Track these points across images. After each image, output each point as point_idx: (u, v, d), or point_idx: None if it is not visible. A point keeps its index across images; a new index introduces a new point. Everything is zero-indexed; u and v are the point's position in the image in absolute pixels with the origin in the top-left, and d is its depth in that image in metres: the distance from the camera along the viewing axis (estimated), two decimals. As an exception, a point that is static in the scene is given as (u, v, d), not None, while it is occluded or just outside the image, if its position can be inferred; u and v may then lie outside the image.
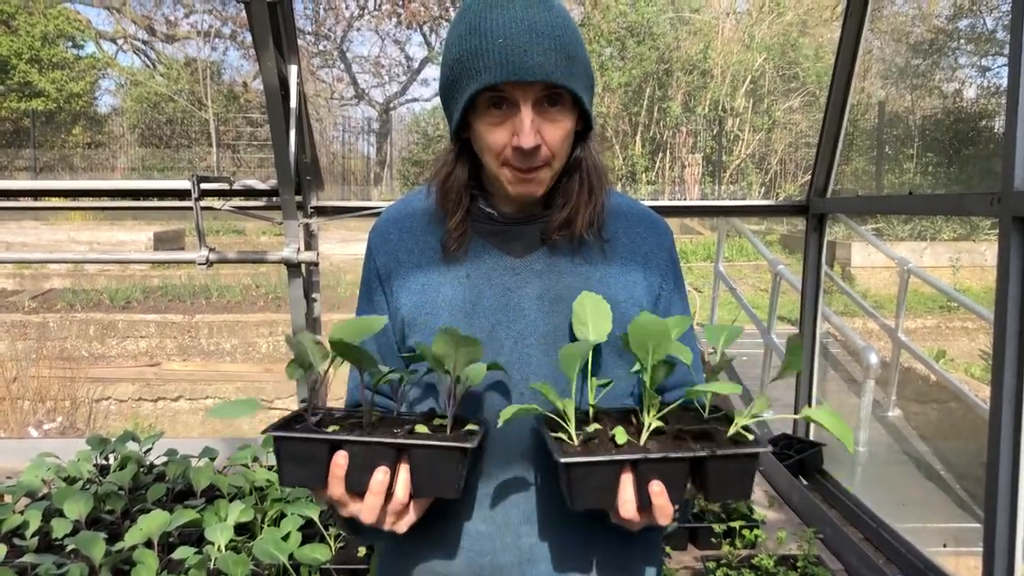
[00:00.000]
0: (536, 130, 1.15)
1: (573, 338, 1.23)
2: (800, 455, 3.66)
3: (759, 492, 3.52)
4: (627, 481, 1.04)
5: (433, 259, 1.30)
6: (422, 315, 1.28)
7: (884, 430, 6.59)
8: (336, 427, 1.11)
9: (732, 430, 1.08)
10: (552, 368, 1.24)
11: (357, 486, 1.07)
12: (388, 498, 1.08)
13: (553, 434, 1.09)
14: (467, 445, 1.06)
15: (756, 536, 2.98)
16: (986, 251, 11.81)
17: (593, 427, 1.10)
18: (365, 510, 1.08)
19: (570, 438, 1.09)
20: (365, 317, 1.17)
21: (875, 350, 5.05)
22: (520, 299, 1.26)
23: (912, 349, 6.58)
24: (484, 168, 1.27)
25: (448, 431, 1.12)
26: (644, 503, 1.04)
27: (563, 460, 1.01)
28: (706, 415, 1.18)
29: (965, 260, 11.69)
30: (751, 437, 1.07)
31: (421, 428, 1.11)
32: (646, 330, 1.10)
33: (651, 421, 1.09)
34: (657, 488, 1.03)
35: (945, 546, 3.82)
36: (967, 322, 10.12)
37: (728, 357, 1.19)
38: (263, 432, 1.06)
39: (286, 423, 1.12)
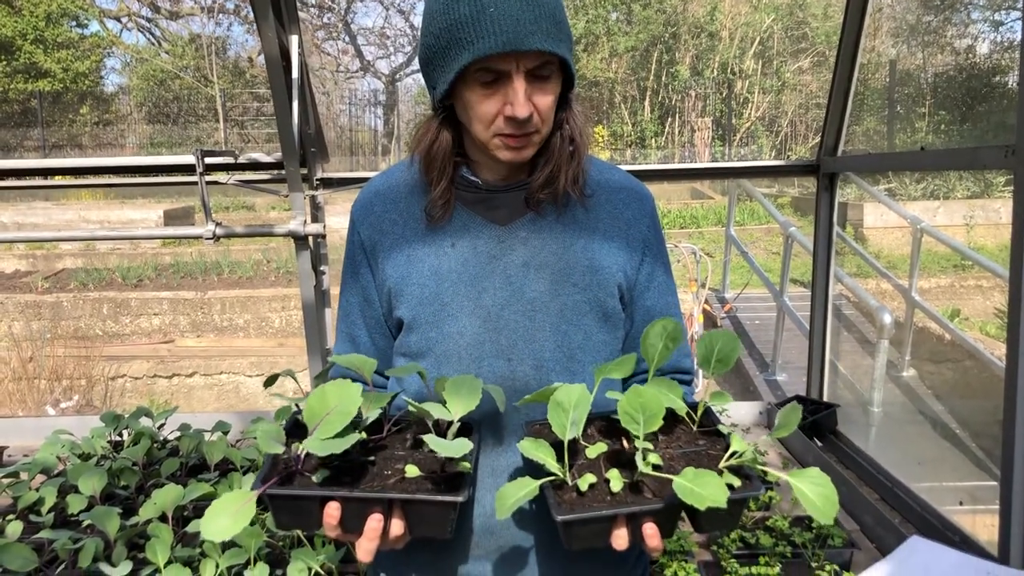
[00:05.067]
0: (529, 99, 1.15)
1: (557, 306, 1.26)
2: (814, 416, 3.63)
3: (773, 454, 3.51)
4: (622, 524, 1.04)
5: (417, 229, 1.31)
6: (409, 285, 1.29)
7: (899, 390, 6.58)
8: (325, 470, 1.09)
9: (724, 464, 1.08)
10: (537, 332, 1.25)
11: (353, 528, 1.07)
12: (384, 532, 1.07)
13: (547, 476, 1.08)
14: (457, 499, 1.04)
15: (770, 498, 2.98)
16: (1000, 208, 11.67)
17: (587, 481, 1.07)
18: (361, 551, 1.07)
19: (563, 480, 1.09)
20: (356, 357, 1.23)
21: (889, 310, 5.01)
22: (506, 266, 1.27)
23: (926, 308, 6.55)
24: (469, 136, 1.27)
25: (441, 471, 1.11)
26: (637, 538, 1.05)
27: (561, 518, 1.01)
28: (695, 428, 1.20)
29: (979, 218, 11.56)
30: (738, 483, 1.06)
31: (412, 470, 1.09)
32: (641, 406, 1.07)
33: (647, 466, 1.07)
34: (651, 531, 1.04)
35: (961, 504, 3.81)
36: (981, 280, 10.04)
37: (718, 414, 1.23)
38: (252, 488, 1.04)
39: (272, 471, 1.10)
